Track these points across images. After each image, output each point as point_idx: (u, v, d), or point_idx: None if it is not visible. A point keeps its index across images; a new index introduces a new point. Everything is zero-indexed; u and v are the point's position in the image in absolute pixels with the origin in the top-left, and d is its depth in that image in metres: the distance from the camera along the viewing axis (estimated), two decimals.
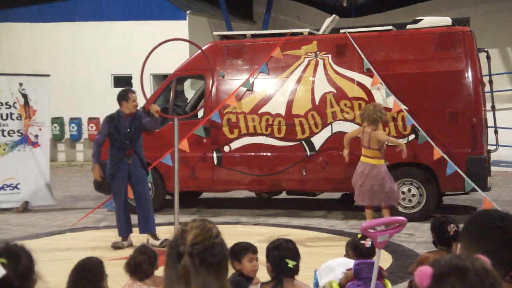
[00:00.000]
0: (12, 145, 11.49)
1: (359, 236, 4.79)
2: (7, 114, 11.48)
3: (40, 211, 11.28)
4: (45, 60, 20.35)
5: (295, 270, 3.79)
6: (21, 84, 11.59)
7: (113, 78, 20.51)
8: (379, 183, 8.40)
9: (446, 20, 9.87)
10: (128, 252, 5.30)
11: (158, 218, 10.07)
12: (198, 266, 1.84)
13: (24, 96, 11.58)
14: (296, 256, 3.81)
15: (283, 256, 3.76)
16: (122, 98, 8.21)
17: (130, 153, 8.12)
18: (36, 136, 11.65)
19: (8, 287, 2.05)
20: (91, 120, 19.89)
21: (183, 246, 1.87)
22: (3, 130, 11.45)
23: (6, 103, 11.47)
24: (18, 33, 21.01)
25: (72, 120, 20.34)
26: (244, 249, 4.19)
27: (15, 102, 11.52)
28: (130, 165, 8.13)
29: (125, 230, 8.24)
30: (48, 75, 12.43)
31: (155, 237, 8.23)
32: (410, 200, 9.76)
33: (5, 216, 10.89)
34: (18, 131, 11.53)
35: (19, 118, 11.55)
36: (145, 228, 8.26)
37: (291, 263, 3.74)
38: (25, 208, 11.39)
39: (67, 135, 20.57)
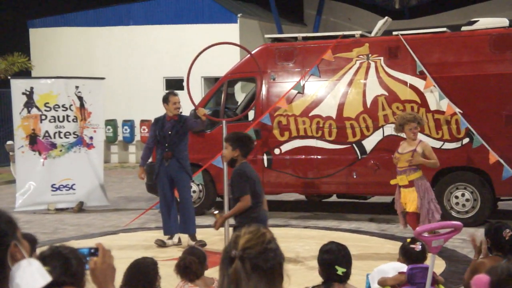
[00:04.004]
0: (68, 147, 11.78)
1: (408, 240, 4.73)
2: (63, 116, 11.77)
3: (94, 212, 11.53)
4: (100, 63, 20.79)
5: (344, 277, 3.71)
6: (77, 87, 11.88)
7: (165, 81, 20.80)
8: None
9: (503, 21, 9.63)
10: (179, 252, 5.37)
11: (208, 220, 10.18)
12: (249, 271, 1.82)
13: (80, 98, 11.86)
14: (346, 262, 3.69)
15: (333, 261, 3.67)
16: (164, 100, 8.44)
17: (167, 156, 8.26)
18: (91, 138, 11.91)
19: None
20: (143, 122, 20.21)
21: (234, 250, 1.85)
22: (60, 132, 11.75)
23: (63, 106, 11.76)
24: (74, 37, 21.54)
25: (125, 122, 20.71)
26: None
27: (71, 105, 11.81)
28: (167, 167, 8.27)
29: (167, 230, 8.42)
30: (103, 78, 12.68)
31: (193, 238, 8.35)
32: (463, 205, 9.56)
33: (61, 216, 11.18)
34: (74, 133, 11.82)
35: (75, 120, 11.83)
36: (184, 229, 8.41)
37: (340, 270, 3.63)
38: (80, 208, 11.66)
39: (120, 137, 20.96)
